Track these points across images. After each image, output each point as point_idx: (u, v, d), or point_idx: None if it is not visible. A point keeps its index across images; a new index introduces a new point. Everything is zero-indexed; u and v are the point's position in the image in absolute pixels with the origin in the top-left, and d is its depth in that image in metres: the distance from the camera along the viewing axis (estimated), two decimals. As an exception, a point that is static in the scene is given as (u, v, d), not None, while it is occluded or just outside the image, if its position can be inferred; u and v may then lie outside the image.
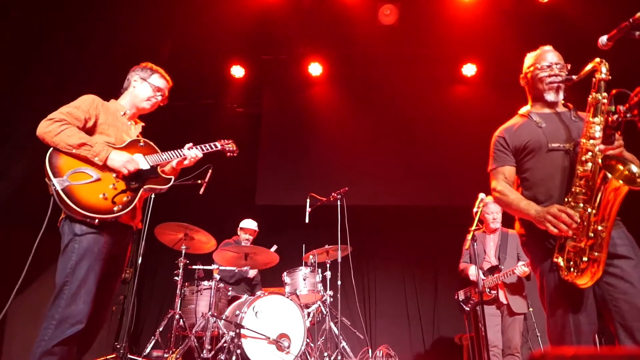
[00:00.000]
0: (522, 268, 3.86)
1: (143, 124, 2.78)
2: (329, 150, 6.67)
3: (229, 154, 3.05)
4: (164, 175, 2.61)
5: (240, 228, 5.41)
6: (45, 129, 2.26)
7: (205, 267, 4.52)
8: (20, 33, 4.54)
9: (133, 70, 2.73)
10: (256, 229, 5.44)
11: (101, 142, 2.37)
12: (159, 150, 2.64)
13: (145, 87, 2.69)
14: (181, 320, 4.31)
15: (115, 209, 2.31)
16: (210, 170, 4.64)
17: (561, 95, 2.27)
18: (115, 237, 2.38)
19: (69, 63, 4.61)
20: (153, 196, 4.52)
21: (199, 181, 4.62)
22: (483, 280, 4.01)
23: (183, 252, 4.48)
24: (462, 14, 5.72)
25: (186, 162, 2.69)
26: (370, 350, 4.62)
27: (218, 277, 4.34)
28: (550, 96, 2.26)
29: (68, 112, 2.35)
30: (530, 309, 4.51)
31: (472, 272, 4.08)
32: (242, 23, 5.79)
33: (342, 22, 5.93)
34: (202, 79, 6.84)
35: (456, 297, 4.33)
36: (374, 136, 6.67)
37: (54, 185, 2.19)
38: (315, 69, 6.68)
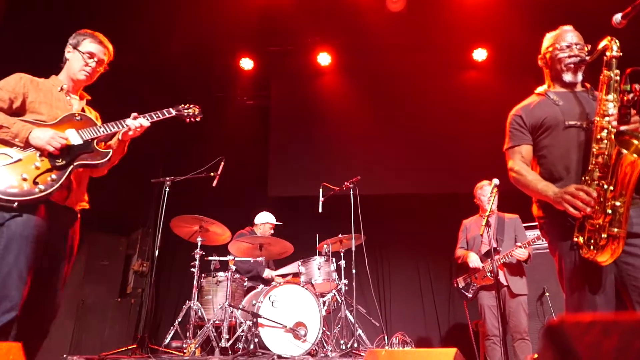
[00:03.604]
0: (520, 250, 3.84)
1: (89, 98, 2.60)
2: (340, 140, 6.66)
3: (188, 119, 2.72)
4: (100, 150, 2.39)
5: (265, 222, 5.44)
6: None
7: (221, 259, 4.57)
8: (26, 36, 4.59)
9: (66, 44, 2.52)
10: (278, 222, 5.50)
11: (21, 120, 2.22)
12: (98, 124, 2.44)
13: (77, 56, 2.46)
14: (199, 311, 4.38)
15: (37, 190, 2.13)
16: (222, 163, 4.69)
17: (579, 76, 2.25)
18: (51, 218, 2.22)
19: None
20: (167, 189, 4.58)
21: (212, 173, 4.67)
22: (483, 265, 4.00)
23: (199, 244, 4.53)
24: (471, -3, 5.65)
25: (130, 132, 2.46)
26: (386, 338, 4.65)
27: (234, 267, 4.39)
28: (568, 77, 2.23)
29: None
30: (547, 294, 4.50)
31: (472, 258, 4.06)
32: (250, 15, 5.79)
33: (349, 10, 5.89)
34: (211, 72, 6.90)
35: (455, 284, 4.31)
36: (385, 124, 6.65)
37: None
38: (323, 58, 6.67)
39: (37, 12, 4.70)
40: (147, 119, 2.49)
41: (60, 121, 2.33)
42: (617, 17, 1.96)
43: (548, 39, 2.35)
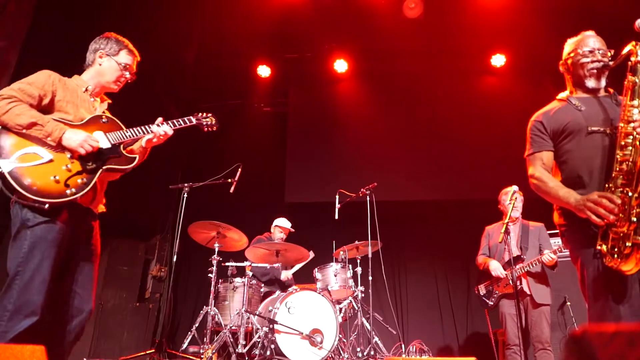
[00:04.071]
0: (549, 256, 3.74)
1: (109, 101, 2.61)
2: (356, 146, 6.66)
3: (206, 128, 2.74)
4: (127, 155, 2.39)
5: (276, 226, 5.47)
6: None
7: (238, 264, 4.60)
8: (43, 40, 4.70)
9: (94, 43, 2.50)
10: (291, 228, 5.51)
11: (54, 120, 2.20)
12: (123, 127, 2.42)
13: (112, 65, 2.47)
14: (216, 316, 4.41)
15: (68, 192, 2.12)
16: (240, 169, 4.73)
17: (603, 82, 2.21)
18: (74, 220, 2.21)
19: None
20: (185, 195, 4.64)
21: (229, 180, 4.71)
22: (506, 273, 3.91)
23: (216, 249, 4.55)
24: (489, 2, 5.62)
25: (154, 140, 2.45)
26: (403, 346, 4.60)
27: (251, 273, 4.41)
28: (591, 82, 2.19)
29: (20, 88, 2.16)
30: (568, 303, 4.41)
31: (494, 266, 3.97)
32: (267, 23, 5.85)
33: (366, 17, 5.91)
34: (228, 80, 6.97)
35: (477, 291, 4.23)
36: (402, 131, 6.62)
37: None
38: (340, 65, 6.69)
39: (58, 19, 4.80)
40: (171, 127, 2.50)
41: (87, 122, 2.32)
42: (639, 22, 1.92)
43: (570, 44, 2.32)
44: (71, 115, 2.29)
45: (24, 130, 2.10)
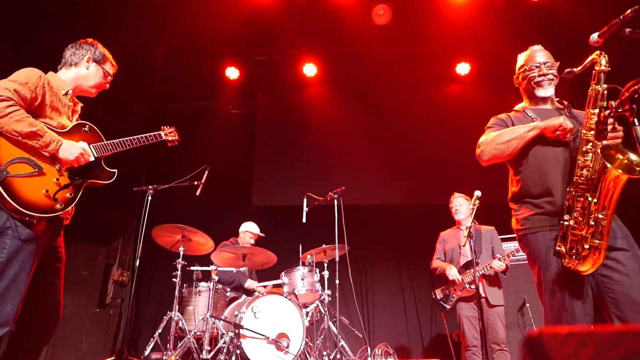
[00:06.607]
0: (498, 262, 3.88)
1: (82, 105, 2.52)
2: (324, 150, 6.69)
3: (170, 144, 2.81)
4: (107, 169, 2.38)
5: (246, 231, 5.38)
6: None
7: (203, 269, 4.51)
8: (7, 37, 4.52)
9: (80, 47, 2.44)
10: (260, 233, 5.45)
11: (49, 130, 2.13)
12: (104, 138, 2.39)
13: (99, 72, 2.46)
14: (180, 321, 4.31)
15: (57, 206, 2.09)
16: (206, 172, 4.65)
17: (551, 90, 2.33)
18: (51, 231, 2.18)
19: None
20: (150, 198, 4.53)
21: (196, 182, 4.63)
22: (462, 277, 4.02)
23: (181, 253, 4.46)
24: (455, 13, 5.77)
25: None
26: (369, 349, 4.64)
27: (216, 278, 4.34)
28: (540, 92, 2.33)
29: (15, 89, 2.03)
30: (528, 305, 4.56)
31: (451, 272, 4.06)
32: (236, 24, 5.82)
33: (335, 22, 5.96)
34: (196, 81, 6.87)
35: (434, 296, 4.32)
36: (369, 135, 6.70)
37: None
38: (309, 69, 6.72)
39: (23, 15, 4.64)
40: (143, 141, 2.53)
41: (71, 131, 2.26)
42: (594, 36, 2.01)
43: (520, 59, 2.47)
44: (55, 122, 2.22)
45: (19, 138, 2.01)
